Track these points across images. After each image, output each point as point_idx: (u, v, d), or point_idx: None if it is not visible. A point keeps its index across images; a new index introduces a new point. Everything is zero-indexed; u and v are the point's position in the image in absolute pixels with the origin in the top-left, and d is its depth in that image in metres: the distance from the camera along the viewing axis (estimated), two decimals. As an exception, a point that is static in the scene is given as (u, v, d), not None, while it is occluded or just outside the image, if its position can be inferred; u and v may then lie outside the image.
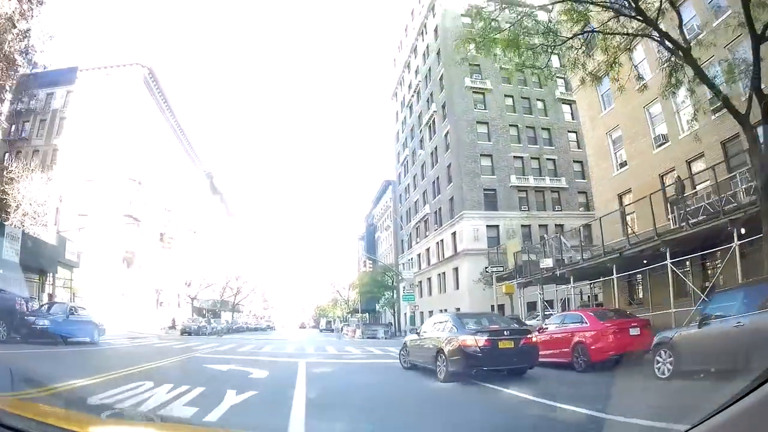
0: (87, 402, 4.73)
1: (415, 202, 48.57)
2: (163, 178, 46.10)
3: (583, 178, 40.42)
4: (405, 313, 48.80)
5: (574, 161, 40.97)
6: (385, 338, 31.73)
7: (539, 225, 38.11)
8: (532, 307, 26.01)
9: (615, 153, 23.02)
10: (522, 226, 37.64)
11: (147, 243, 41.53)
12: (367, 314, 66.69)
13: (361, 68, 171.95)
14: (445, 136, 41.48)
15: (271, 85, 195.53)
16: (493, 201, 37.83)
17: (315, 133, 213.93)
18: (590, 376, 9.20)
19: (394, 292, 41.11)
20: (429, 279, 42.41)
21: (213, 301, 52.91)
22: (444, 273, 39.63)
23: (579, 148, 41.43)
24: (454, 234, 38.14)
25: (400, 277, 39.95)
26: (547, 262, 17.52)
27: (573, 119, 42.38)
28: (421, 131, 48.27)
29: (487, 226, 36.81)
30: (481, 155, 38.84)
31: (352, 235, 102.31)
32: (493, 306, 34.89)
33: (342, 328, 53.81)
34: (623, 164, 22.20)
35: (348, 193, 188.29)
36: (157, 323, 38.16)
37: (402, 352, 11.19)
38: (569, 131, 41.55)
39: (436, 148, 43.61)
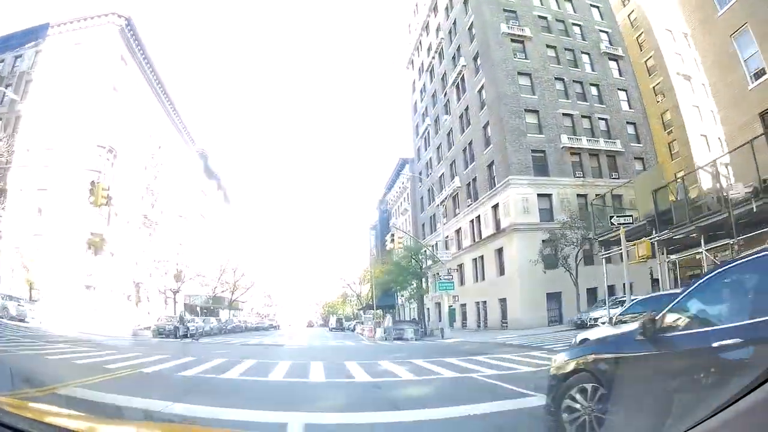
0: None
1: (440, 177, 41.09)
2: (144, 152, 39.13)
3: (639, 142, 33.71)
4: (428, 308, 41.46)
5: (627, 123, 33.93)
6: (416, 339, 24.27)
7: (596, 195, 30.89)
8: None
9: (745, 61, 16.09)
10: (578, 195, 30.36)
11: (122, 225, 34.60)
12: (381, 310, 59.51)
13: (371, 42, 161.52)
14: (479, 91, 34.04)
15: (273, 61, 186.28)
16: (543, 165, 30.48)
17: (322, 114, 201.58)
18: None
19: (423, 280, 33.62)
20: (461, 266, 34.94)
21: (206, 298, 45.86)
22: (482, 257, 32.14)
23: (631, 108, 34.79)
24: (495, 207, 30.67)
25: (429, 262, 32.50)
26: (738, 188, 9.87)
27: (621, 76, 35.69)
28: (446, 94, 40.85)
29: (538, 195, 29.32)
30: (525, 110, 31.45)
31: (362, 225, 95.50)
32: (548, 294, 27.71)
33: (355, 327, 46.52)
34: (760, 73, 15.43)
35: (358, 180, 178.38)
36: (136, 322, 31.20)
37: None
38: (619, 89, 34.78)
39: (467, 109, 36.14)
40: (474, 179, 34.21)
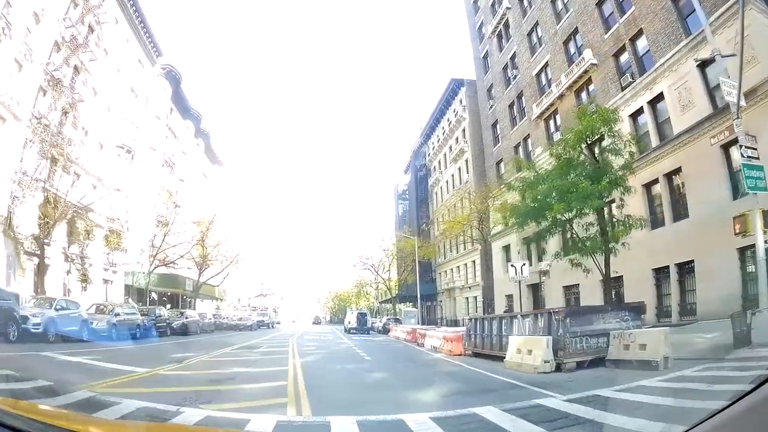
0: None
1: (539, 74, 24.80)
2: (55, 29, 23.40)
3: None
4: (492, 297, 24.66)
5: None
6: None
7: None
8: None
9: None
10: None
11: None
12: (408, 302, 43.55)
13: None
14: None
15: None
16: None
17: (333, 55, 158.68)
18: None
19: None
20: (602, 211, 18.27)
21: (150, 276, 29.54)
22: (672, 174, 15.56)
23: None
24: (706, 64, 14.27)
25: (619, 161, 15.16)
26: None
27: None
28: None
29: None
30: None
31: (385, 197, 79.97)
32: None
33: (386, 326, 30.21)
34: None
35: (378, 144, 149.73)
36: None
37: None
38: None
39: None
40: (633, 38, 17.83)
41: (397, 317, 34.90)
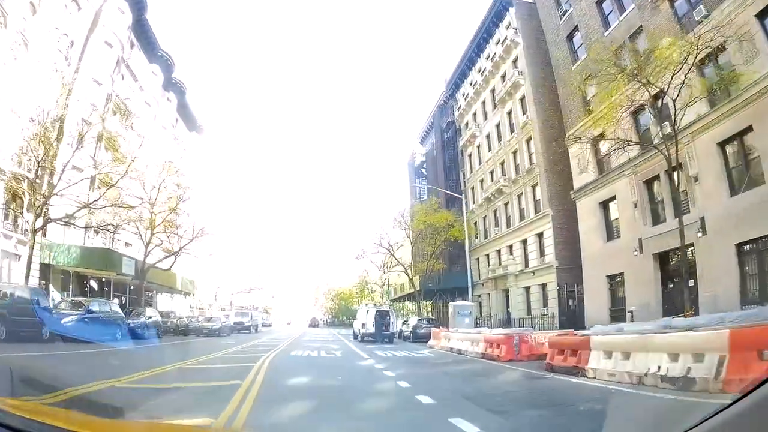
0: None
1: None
2: None
3: None
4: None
5: None
6: None
7: None
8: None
9: None
10: None
11: None
12: (429, 299, 34.98)
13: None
14: None
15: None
16: None
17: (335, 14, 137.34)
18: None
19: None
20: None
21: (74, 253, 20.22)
22: None
23: None
24: None
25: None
26: None
27: None
28: None
29: None
30: None
31: (394, 178, 71.12)
32: None
33: (419, 330, 20.97)
34: None
35: (388, 115, 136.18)
36: None
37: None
38: None
39: None
40: None
41: (431, 317, 25.73)
